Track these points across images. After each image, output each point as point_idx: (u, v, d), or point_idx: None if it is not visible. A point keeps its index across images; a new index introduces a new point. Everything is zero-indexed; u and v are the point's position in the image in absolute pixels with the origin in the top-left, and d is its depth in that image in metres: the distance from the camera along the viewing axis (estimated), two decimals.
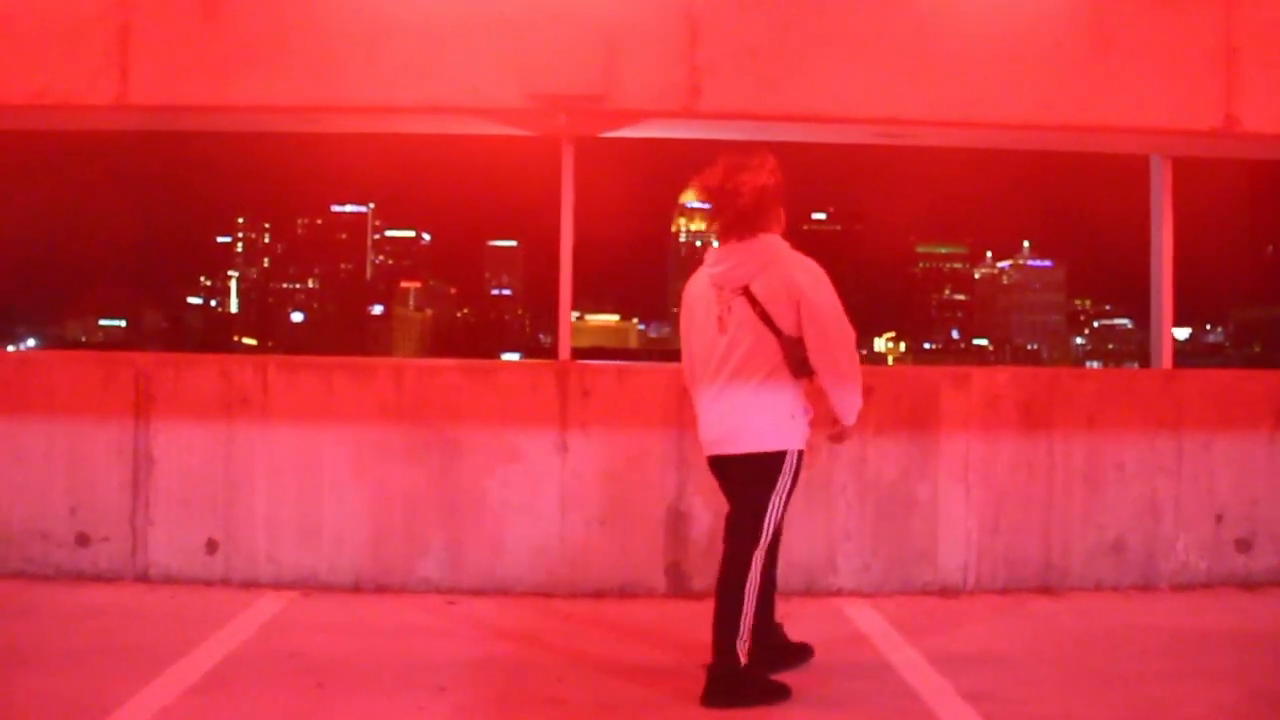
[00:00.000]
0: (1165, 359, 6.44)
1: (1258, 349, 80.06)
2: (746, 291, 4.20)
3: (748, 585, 4.19)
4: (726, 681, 4.17)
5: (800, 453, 4.31)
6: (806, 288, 4.18)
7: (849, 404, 4.30)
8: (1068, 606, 5.81)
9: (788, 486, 4.28)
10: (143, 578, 5.89)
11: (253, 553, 5.88)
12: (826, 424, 4.47)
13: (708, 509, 5.87)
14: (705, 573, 5.85)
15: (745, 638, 4.15)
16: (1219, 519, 6.28)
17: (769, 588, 4.47)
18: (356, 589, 5.83)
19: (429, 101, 5.94)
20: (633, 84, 5.85)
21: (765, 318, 4.17)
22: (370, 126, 6.60)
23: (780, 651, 4.59)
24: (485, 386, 5.94)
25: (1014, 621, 5.54)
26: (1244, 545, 6.30)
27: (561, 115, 5.87)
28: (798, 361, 4.19)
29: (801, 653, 4.68)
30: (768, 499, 4.24)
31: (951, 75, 6.02)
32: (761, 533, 4.25)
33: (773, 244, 4.30)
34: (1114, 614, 5.70)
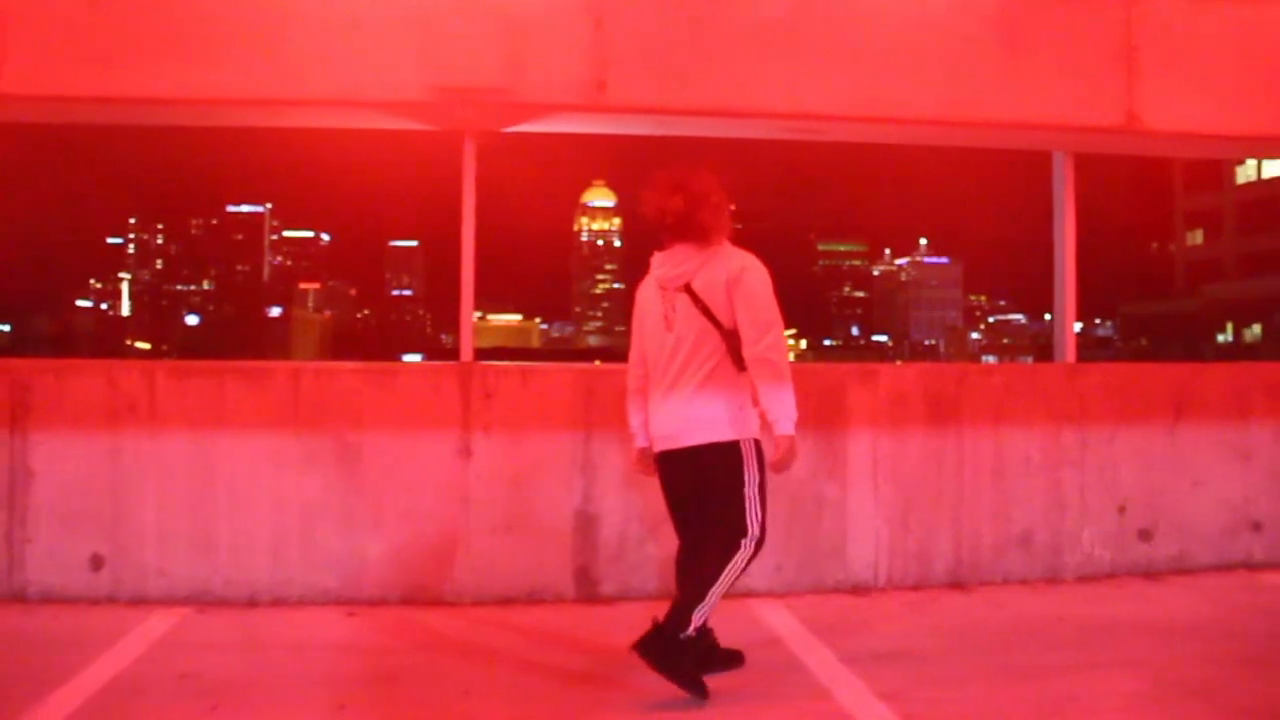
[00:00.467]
0: (1068, 353, 6.49)
1: (1144, 342, 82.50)
2: (688, 288, 4.31)
3: (726, 569, 4.20)
4: (667, 642, 4.14)
5: (758, 442, 4.33)
6: (740, 277, 4.27)
7: (780, 404, 4.22)
8: (979, 601, 5.82)
9: (757, 477, 4.30)
10: (19, 598, 5.54)
11: (142, 567, 5.60)
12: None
13: (616, 512, 5.76)
14: (615, 577, 5.76)
15: (703, 612, 4.16)
16: (1122, 510, 6.35)
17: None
18: (253, 603, 5.59)
19: (327, 94, 5.71)
20: (536, 77, 5.70)
21: (706, 312, 4.27)
22: (265, 120, 6.32)
23: (710, 653, 4.46)
24: (385, 389, 5.74)
25: (927, 618, 5.52)
26: (1146, 535, 6.39)
27: (463, 109, 5.69)
28: (740, 354, 4.27)
29: (731, 659, 4.53)
30: (740, 491, 4.27)
31: (863, 70, 5.98)
32: (747, 524, 4.26)
33: (714, 245, 4.38)
34: (1024, 607, 5.72)
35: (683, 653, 4.16)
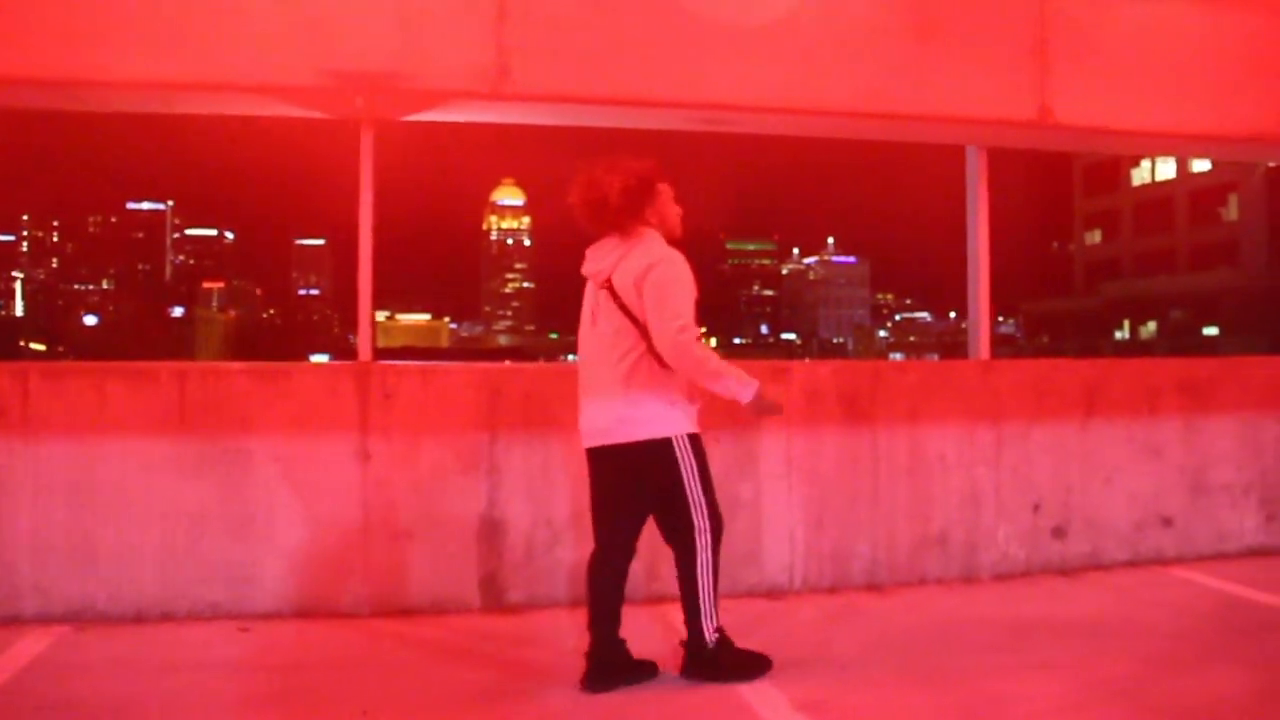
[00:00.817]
0: (983, 350, 6.40)
1: (1046, 339, 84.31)
2: (609, 284, 4.28)
3: (698, 568, 4.29)
4: (699, 660, 4.33)
5: (692, 437, 4.30)
6: (648, 272, 4.20)
7: (722, 387, 4.24)
8: (896, 603, 5.70)
9: (695, 467, 4.28)
10: None
11: (15, 584, 5.21)
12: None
13: (524, 516, 5.54)
14: (523, 584, 5.54)
15: (710, 617, 4.30)
16: (1036, 508, 6.30)
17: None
18: (139, 619, 5.24)
19: (210, 77, 5.35)
20: (436, 62, 5.43)
21: (623, 307, 4.23)
22: (141, 105, 5.89)
23: (620, 667, 4.38)
24: (278, 391, 5.42)
25: (844, 622, 5.38)
26: (1059, 533, 6.34)
27: (358, 96, 5.38)
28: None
29: (641, 670, 4.41)
30: (681, 490, 4.26)
31: (775, 59, 5.81)
32: (690, 511, 4.28)
33: (637, 237, 4.32)
34: (943, 608, 5.62)
35: (717, 662, 4.31)
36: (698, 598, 4.29)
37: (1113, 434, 6.47)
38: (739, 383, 4.22)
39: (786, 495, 5.84)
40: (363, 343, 5.77)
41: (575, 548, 5.56)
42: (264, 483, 5.35)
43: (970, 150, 6.41)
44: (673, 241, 4.40)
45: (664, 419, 4.24)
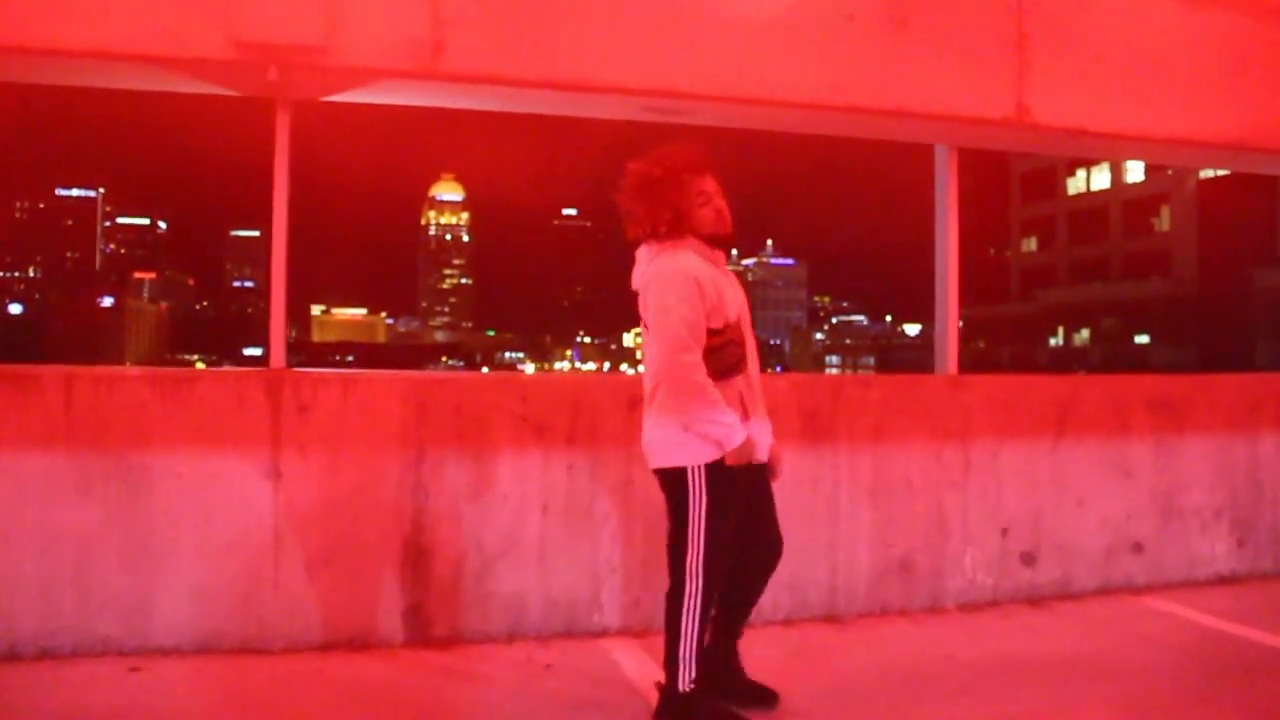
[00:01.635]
0: (950, 364, 6.00)
1: (981, 345, 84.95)
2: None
3: (684, 609, 3.91)
4: (668, 703, 3.95)
5: (709, 468, 3.87)
6: (644, 289, 3.98)
7: (700, 430, 3.87)
8: (856, 639, 5.25)
9: (705, 503, 3.88)
10: None
11: None
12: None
13: (453, 542, 5.02)
14: (451, 616, 5.02)
15: (688, 663, 3.90)
16: (1005, 533, 5.91)
17: (730, 617, 4.18)
18: (14, 656, 4.63)
19: (107, 45, 4.71)
20: (361, 35, 4.84)
21: (646, 323, 3.99)
22: (34, 75, 5.25)
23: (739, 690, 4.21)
24: (179, 402, 4.83)
25: (801, 662, 4.91)
26: (1029, 559, 5.95)
27: (273, 70, 4.78)
28: None
29: (763, 697, 4.23)
30: (685, 530, 3.92)
31: (731, 45, 5.32)
32: (687, 552, 3.92)
33: (658, 242, 4.02)
34: (906, 646, 5.17)
35: (685, 710, 3.91)
36: (678, 646, 3.92)
37: (1085, 454, 6.09)
38: (725, 431, 3.84)
39: None
40: (275, 346, 5.19)
41: (509, 578, 5.07)
42: (162, 504, 4.77)
43: (939, 150, 5.99)
44: (715, 241, 4.04)
45: (681, 445, 3.90)
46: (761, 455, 4.09)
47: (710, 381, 3.84)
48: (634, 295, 4.05)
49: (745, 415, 3.98)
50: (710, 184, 4.02)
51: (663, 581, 5.20)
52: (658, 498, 5.10)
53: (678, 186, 3.94)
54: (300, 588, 4.88)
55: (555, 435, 5.12)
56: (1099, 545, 6.14)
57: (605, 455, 5.17)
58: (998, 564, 5.88)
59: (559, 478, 5.13)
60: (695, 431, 3.83)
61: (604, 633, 5.16)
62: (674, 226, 3.94)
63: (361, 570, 4.96)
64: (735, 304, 4.06)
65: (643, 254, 4.05)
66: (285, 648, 4.83)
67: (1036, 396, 6.02)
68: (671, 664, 3.92)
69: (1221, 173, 65.69)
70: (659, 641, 4.94)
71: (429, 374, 5.10)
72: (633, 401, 5.12)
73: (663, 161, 3.96)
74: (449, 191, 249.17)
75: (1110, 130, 5.83)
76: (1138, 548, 6.24)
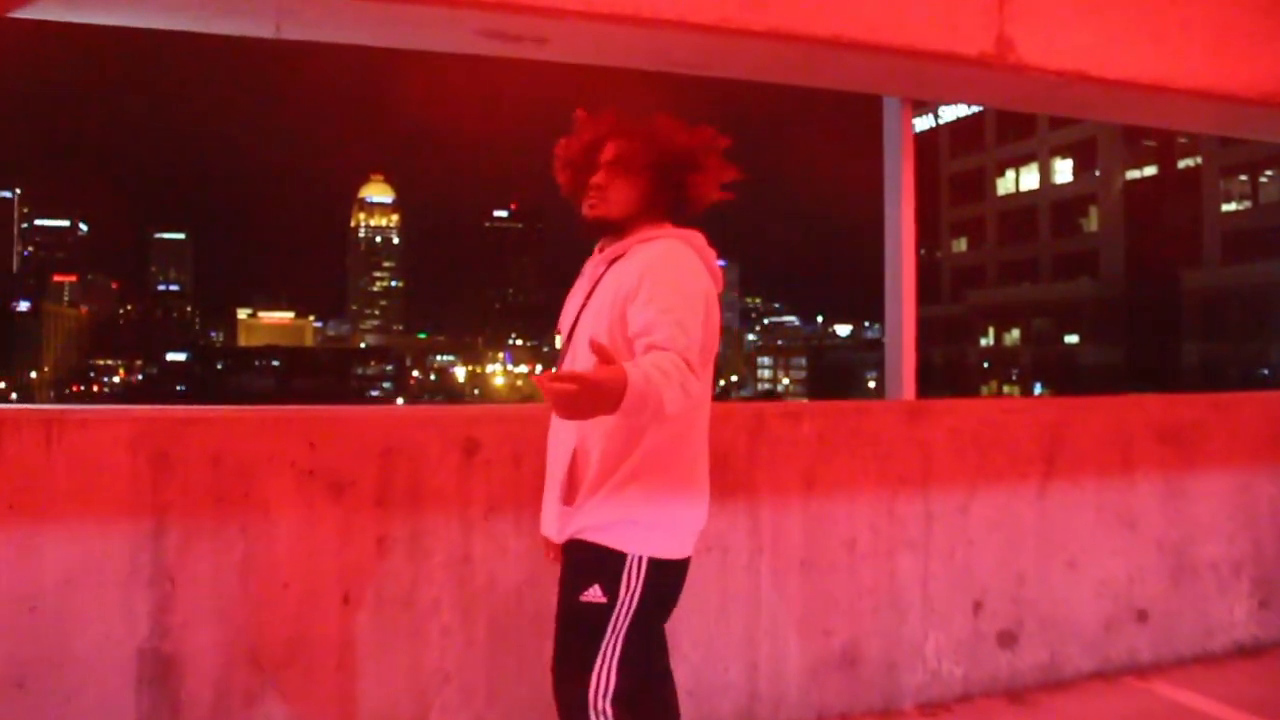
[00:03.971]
0: (906, 386, 4.58)
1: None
2: None
3: None
4: None
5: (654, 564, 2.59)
6: None
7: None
8: None
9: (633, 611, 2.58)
10: None
11: None
12: None
13: (211, 650, 3.49)
14: None
15: None
16: (978, 607, 4.51)
17: None
18: None
19: None
20: None
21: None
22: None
23: None
24: None
25: None
26: (1008, 639, 4.57)
27: None
28: None
29: None
30: (600, 628, 2.60)
31: None
32: (592, 682, 2.57)
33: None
34: None
35: None
36: None
37: (1078, 501, 4.73)
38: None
39: None
40: None
41: (295, 697, 3.55)
42: None
43: (889, 104, 4.56)
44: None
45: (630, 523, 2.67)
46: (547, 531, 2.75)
47: None
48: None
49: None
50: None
51: (517, 689, 3.76)
52: (511, 574, 3.67)
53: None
54: None
55: (360, 495, 3.61)
56: (1095, 616, 4.78)
57: (431, 522, 3.67)
58: (969, 648, 4.49)
59: (366, 554, 3.62)
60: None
61: None
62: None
63: (74, 693, 3.41)
64: (569, 310, 2.77)
65: None
66: None
67: (1017, 427, 4.62)
68: None
69: (1149, 173, 65.88)
70: None
71: (171, 411, 3.55)
72: (469, 446, 3.65)
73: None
74: (379, 194, 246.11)
75: (1117, 75, 4.43)
76: (1142, 616, 4.89)
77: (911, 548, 4.36)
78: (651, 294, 2.45)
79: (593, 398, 2.08)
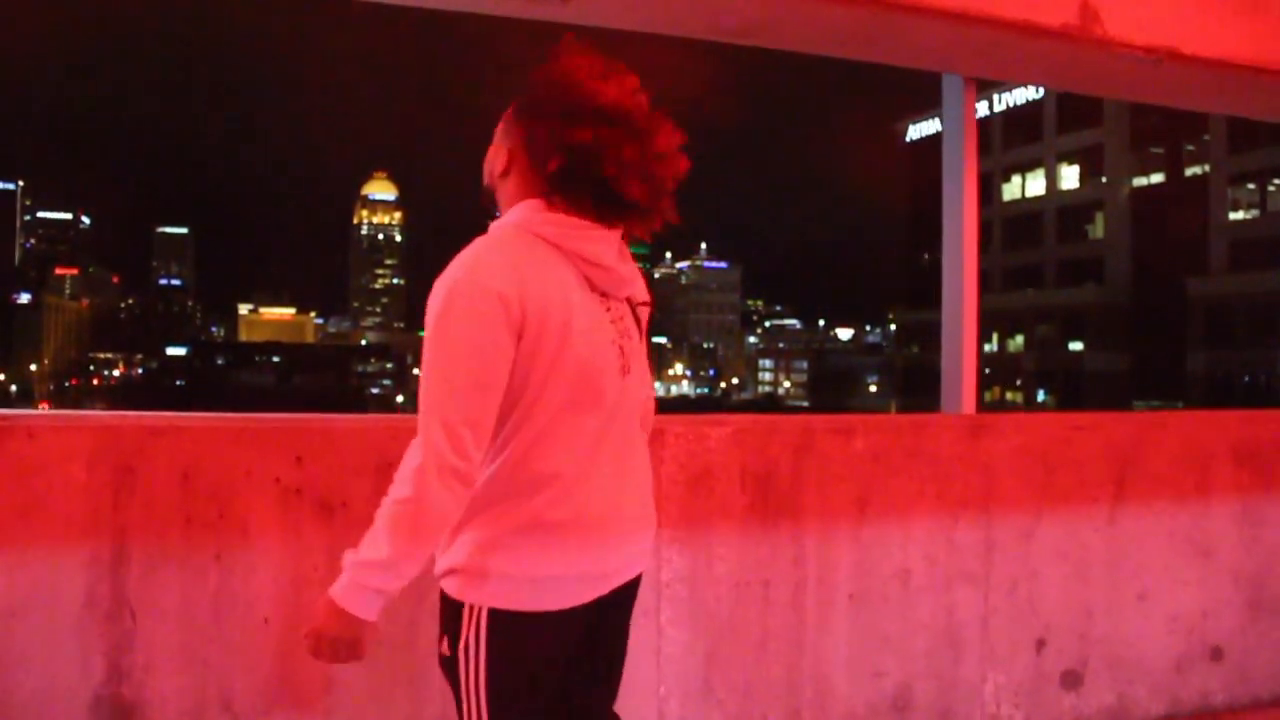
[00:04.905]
0: (967, 399, 4.10)
1: (915, 349, 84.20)
2: (640, 302, 2.32)
3: None
4: None
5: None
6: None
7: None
8: None
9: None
10: None
11: None
12: None
13: (180, 696, 3.02)
14: None
15: None
16: (1041, 645, 4.04)
17: None
18: None
19: None
20: None
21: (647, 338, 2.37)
22: None
23: None
24: None
25: None
26: (1073, 680, 4.10)
27: None
28: None
29: None
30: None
31: None
32: None
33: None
34: None
35: None
36: None
37: (1150, 527, 4.26)
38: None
39: (653, 641, 3.45)
40: None
41: None
42: None
43: (949, 83, 4.09)
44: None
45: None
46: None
47: None
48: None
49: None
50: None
51: None
52: None
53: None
54: None
55: (353, 517, 3.14)
56: (1166, 654, 4.31)
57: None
58: (1030, 690, 4.02)
59: None
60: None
61: None
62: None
63: None
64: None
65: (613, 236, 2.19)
66: None
67: (1087, 445, 4.15)
68: None
69: (1156, 180, 65.44)
70: None
71: (136, 418, 3.08)
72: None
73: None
74: (382, 191, 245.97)
75: (1211, 54, 3.95)
76: (1216, 654, 4.42)
77: (970, 580, 3.90)
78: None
79: (327, 641, 2.03)
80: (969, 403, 4.13)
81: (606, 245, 2.11)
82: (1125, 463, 4.20)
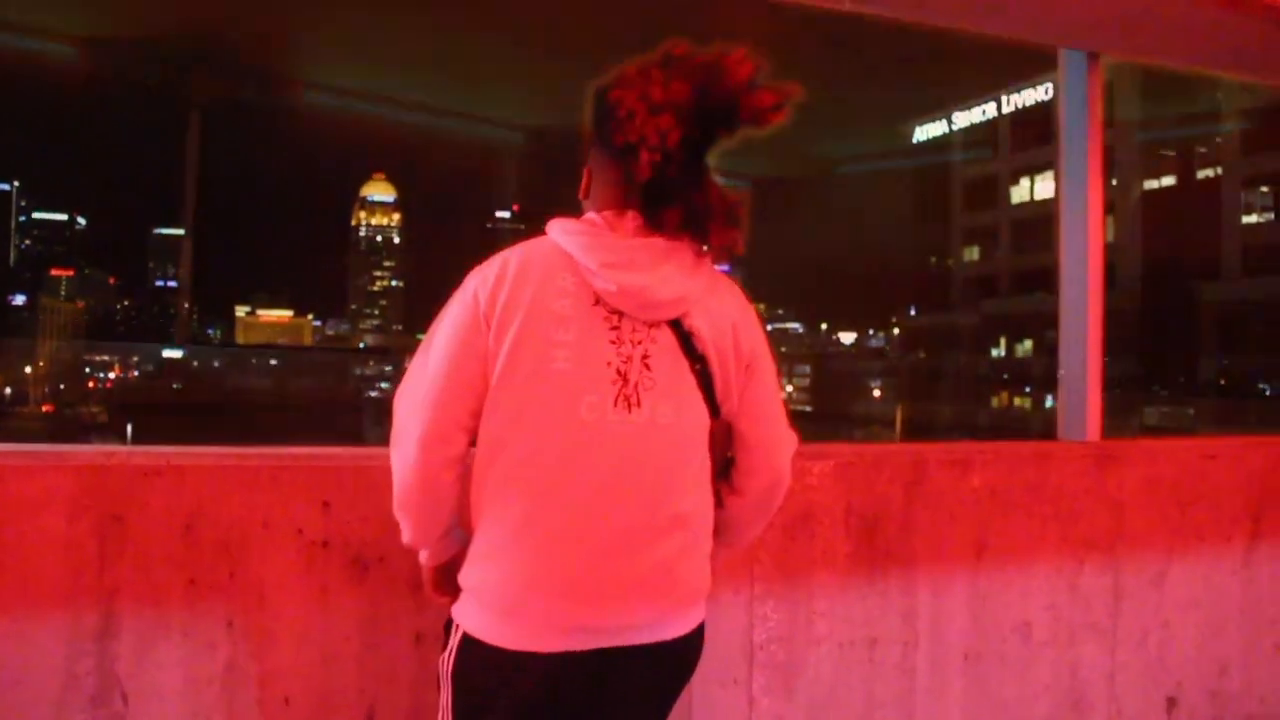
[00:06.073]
0: (1091, 423, 3.57)
1: (922, 354, 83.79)
2: (682, 326, 1.95)
3: None
4: None
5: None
6: (741, 334, 2.01)
7: None
8: None
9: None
10: None
11: None
12: None
13: None
14: None
15: None
16: (1171, 704, 3.51)
17: None
18: None
19: None
20: None
21: (705, 374, 1.97)
22: None
23: None
24: None
25: None
26: None
27: None
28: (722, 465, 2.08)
29: None
30: None
31: None
32: None
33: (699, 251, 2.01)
34: None
35: None
36: None
37: None
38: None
39: (744, 712, 2.91)
40: None
41: None
42: None
43: (1071, 60, 3.56)
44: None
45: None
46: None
47: None
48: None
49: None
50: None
51: None
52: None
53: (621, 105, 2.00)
54: None
55: (391, 575, 2.61)
56: None
57: None
58: None
59: (400, 657, 2.62)
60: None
61: None
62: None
63: None
64: None
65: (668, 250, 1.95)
66: None
67: (1221, 477, 3.62)
68: None
69: (1167, 183, 64.95)
70: None
71: (125, 454, 2.54)
72: None
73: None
74: (380, 193, 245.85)
75: None
76: None
77: (1097, 632, 3.37)
78: None
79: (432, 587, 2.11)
80: (1093, 428, 3.59)
81: (632, 256, 1.90)
82: (1263, 494, 3.67)
